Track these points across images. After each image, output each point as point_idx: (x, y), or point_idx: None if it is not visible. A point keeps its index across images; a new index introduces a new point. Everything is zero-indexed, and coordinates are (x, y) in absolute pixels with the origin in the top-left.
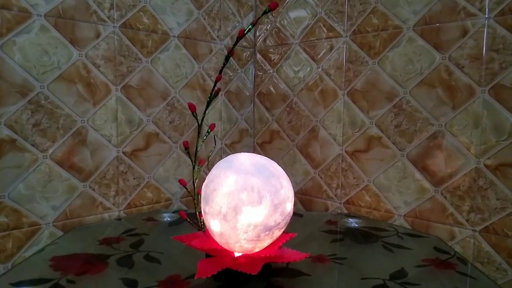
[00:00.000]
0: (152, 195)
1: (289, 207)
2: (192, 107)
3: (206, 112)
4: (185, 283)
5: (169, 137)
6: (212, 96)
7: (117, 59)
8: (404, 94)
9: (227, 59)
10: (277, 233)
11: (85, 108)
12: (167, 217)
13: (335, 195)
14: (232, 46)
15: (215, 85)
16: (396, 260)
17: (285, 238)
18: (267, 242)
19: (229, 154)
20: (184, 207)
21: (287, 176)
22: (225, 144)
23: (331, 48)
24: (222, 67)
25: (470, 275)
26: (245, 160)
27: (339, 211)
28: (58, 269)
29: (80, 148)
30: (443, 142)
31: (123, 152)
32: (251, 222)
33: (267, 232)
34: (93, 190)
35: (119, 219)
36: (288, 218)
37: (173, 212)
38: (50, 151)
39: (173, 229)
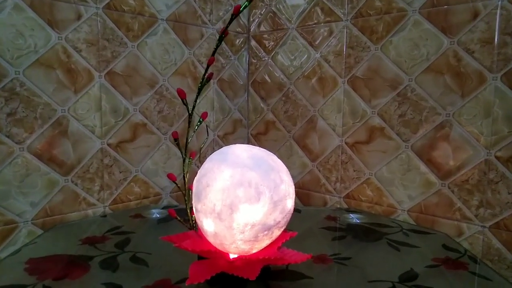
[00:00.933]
0: (140, 189)
1: (289, 204)
2: (181, 94)
3: (197, 99)
4: None
5: (157, 128)
6: (204, 82)
7: (101, 43)
8: (409, 81)
9: (220, 40)
10: (277, 233)
11: (65, 96)
12: (156, 213)
13: (334, 189)
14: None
15: (207, 69)
16: (403, 259)
17: (284, 238)
18: (265, 242)
19: (222, 146)
20: (175, 203)
21: (287, 170)
22: (218, 136)
23: (331, 33)
24: (215, 49)
25: (484, 276)
26: (242, 152)
27: (338, 206)
28: (34, 273)
29: (60, 140)
30: (451, 132)
31: (107, 144)
32: (248, 221)
33: (265, 232)
34: (76, 184)
35: (104, 215)
36: (288, 216)
37: (163, 208)
38: (28, 142)
39: (162, 227)
